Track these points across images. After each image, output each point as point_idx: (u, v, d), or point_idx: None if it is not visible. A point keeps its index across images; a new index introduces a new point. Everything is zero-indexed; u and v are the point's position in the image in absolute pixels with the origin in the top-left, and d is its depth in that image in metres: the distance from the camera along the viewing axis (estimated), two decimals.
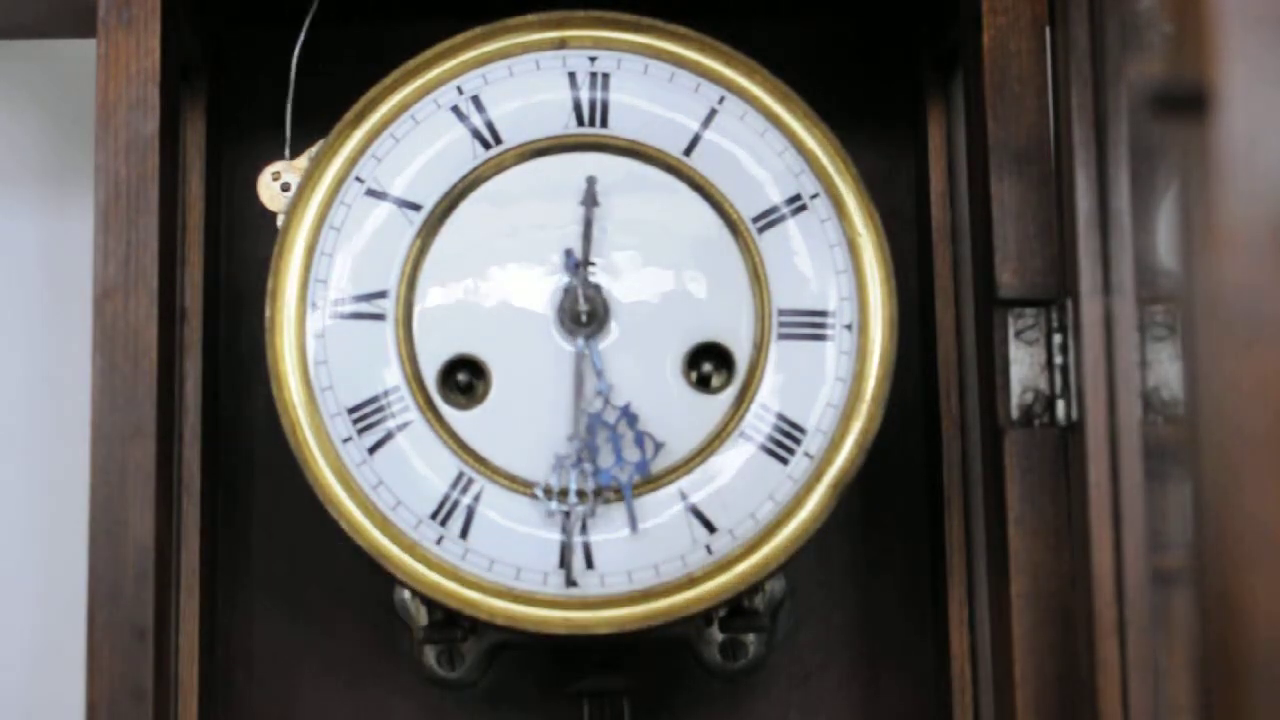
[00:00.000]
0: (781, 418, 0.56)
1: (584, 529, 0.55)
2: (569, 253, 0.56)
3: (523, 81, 0.58)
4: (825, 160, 0.57)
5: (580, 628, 0.54)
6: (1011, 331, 0.55)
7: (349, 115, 0.57)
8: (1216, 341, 0.34)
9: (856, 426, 0.56)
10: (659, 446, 0.55)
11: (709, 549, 0.55)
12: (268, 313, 0.56)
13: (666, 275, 0.57)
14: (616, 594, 0.55)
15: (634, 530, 0.55)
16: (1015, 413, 0.54)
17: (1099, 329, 0.52)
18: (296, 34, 0.60)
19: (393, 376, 0.56)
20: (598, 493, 0.55)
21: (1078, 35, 0.53)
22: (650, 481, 0.55)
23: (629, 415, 0.55)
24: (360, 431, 0.55)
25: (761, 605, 0.60)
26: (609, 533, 0.55)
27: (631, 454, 0.55)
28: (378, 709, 0.66)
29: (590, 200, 0.56)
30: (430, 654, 0.60)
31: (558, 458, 0.55)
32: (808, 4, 0.68)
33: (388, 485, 0.55)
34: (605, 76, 0.58)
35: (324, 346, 0.56)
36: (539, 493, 0.55)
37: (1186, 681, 0.48)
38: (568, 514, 0.55)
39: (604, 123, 0.58)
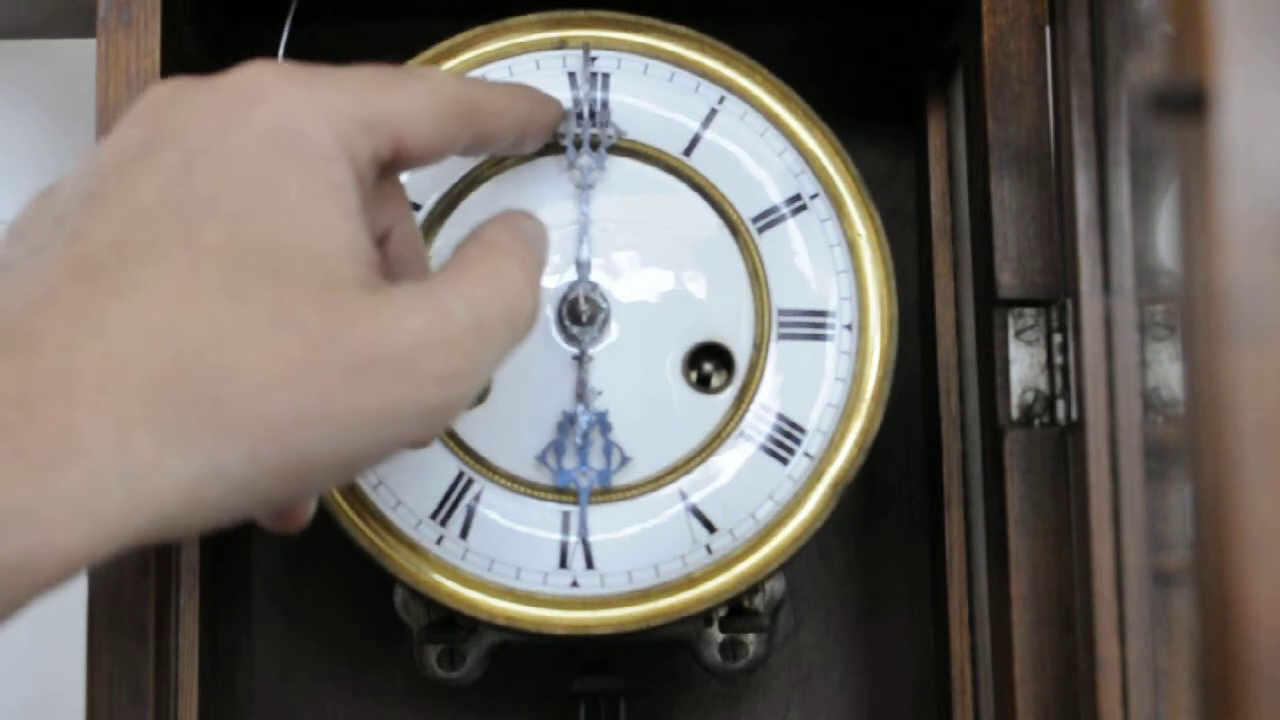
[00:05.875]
0: (781, 418, 0.56)
1: (584, 528, 0.55)
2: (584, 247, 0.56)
3: (523, 81, 0.58)
4: (825, 160, 0.57)
5: (580, 628, 0.54)
6: (1011, 331, 0.55)
7: None
8: (1216, 341, 0.34)
9: (856, 426, 0.56)
10: (625, 460, 0.55)
11: (709, 549, 0.55)
12: None
13: (666, 275, 0.57)
14: (616, 594, 0.55)
15: (581, 538, 0.55)
16: (1015, 413, 0.54)
17: (1099, 329, 0.52)
18: (297, 33, 0.60)
19: None
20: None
21: (1078, 35, 0.53)
22: (650, 481, 0.55)
23: (603, 423, 0.55)
24: None
25: (761, 605, 0.59)
26: (609, 532, 0.55)
27: (597, 461, 0.55)
28: (377, 709, 0.67)
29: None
30: (430, 654, 0.60)
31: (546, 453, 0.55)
32: (808, 4, 0.68)
33: (388, 485, 0.55)
34: (605, 76, 0.58)
35: None
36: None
37: (1186, 681, 0.48)
38: (567, 513, 0.55)
39: (604, 122, 0.57)
